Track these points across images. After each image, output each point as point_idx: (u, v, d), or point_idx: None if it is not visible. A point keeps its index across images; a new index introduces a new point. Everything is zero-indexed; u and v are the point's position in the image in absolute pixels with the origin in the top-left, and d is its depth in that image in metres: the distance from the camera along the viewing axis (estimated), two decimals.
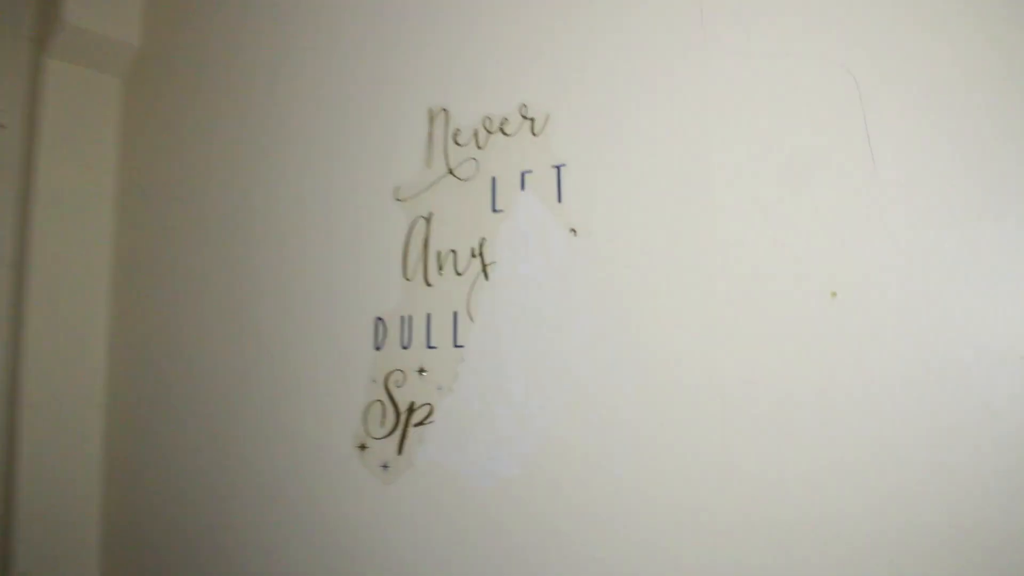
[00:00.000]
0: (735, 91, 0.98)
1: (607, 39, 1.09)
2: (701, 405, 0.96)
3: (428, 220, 1.25)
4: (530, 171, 1.15)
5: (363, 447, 1.29)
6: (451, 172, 1.24)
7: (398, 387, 1.26)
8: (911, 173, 0.86)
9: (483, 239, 1.18)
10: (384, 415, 1.27)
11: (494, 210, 1.18)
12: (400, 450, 1.24)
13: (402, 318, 1.27)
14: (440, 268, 1.23)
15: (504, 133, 1.18)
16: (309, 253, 1.41)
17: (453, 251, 1.22)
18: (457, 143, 1.24)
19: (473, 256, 1.19)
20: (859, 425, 0.86)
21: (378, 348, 1.29)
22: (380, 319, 1.29)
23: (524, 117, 1.16)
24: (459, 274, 1.21)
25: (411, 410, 1.24)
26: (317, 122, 1.44)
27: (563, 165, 1.11)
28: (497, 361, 1.15)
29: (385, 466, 1.26)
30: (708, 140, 0.99)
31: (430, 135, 1.27)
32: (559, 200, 1.11)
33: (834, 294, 0.89)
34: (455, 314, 1.20)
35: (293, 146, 1.48)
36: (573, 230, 1.09)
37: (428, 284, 1.24)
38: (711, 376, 0.95)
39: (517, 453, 1.12)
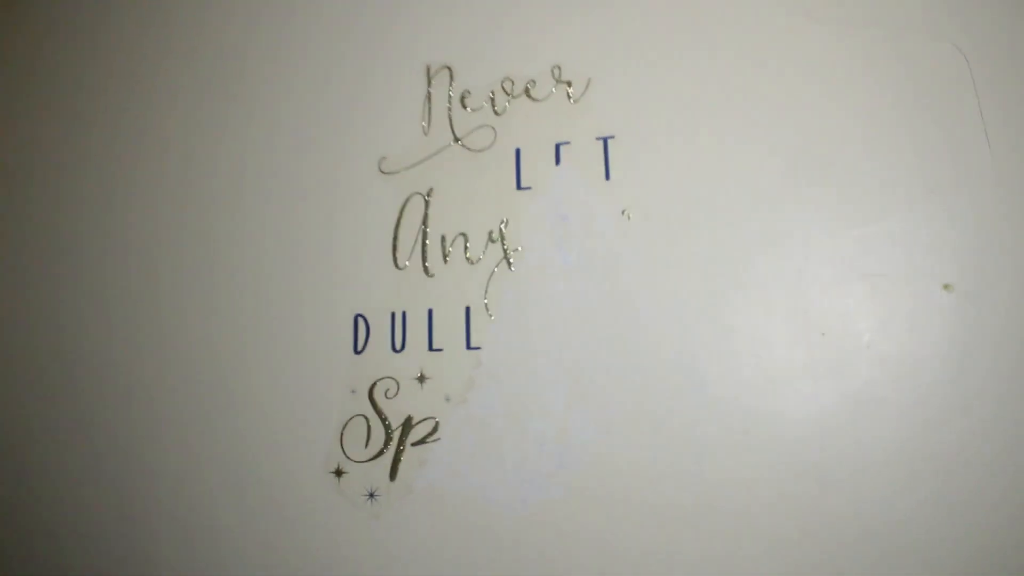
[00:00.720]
0: (825, 61, 0.89)
1: None
2: (773, 416, 0.86)
3: (427, 197, 1.04)
4: (567, 143, 0.98)
5: (339, 472, 1.05)
6: (458, 141, 1.04)
7: (388, 399, 1.03)
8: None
9: (505, 220, 1.00)
10: (369, 433, 1.04)
11: (519, 187, 1.00)
12: (393, 475, 1.02)
13: (392, 315, 1.04)
14: (445, 255, 1.03)
15: (531, 98, 1.01)
16: (265, 234, 1.13)
17: (463, 235, 1.02)
18: (465, 107, 1.04)
19: (491, 241, 1.00)
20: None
21: (358, 351, 1.06)
22: (361, 316, 1.06)
23: (558, 80, 1.00)
24: (472, 262, 1.01)
25: (407, 426, 1.02)
26: (277, 76, 1.16)
27: (611, 137, 0.96)
28: (528, 366, 0.97)
29: (371, 495, 1.03)
30: (791, 113, 0.89)
31: (428, 97, 1.06)
32: (607, 177, 0.96)
33: (948, 287, 0.82)
34: (468, 309, 1.01)
35: (247, 105, 1.19)
36: (625, 213, 0.95)
37: (428, 274, 1.03)
38: (788, 382, 0.85)
39: (558, 472, 0.95)
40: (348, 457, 1.04)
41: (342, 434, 1.05)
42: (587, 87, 0.98)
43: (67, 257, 1.23)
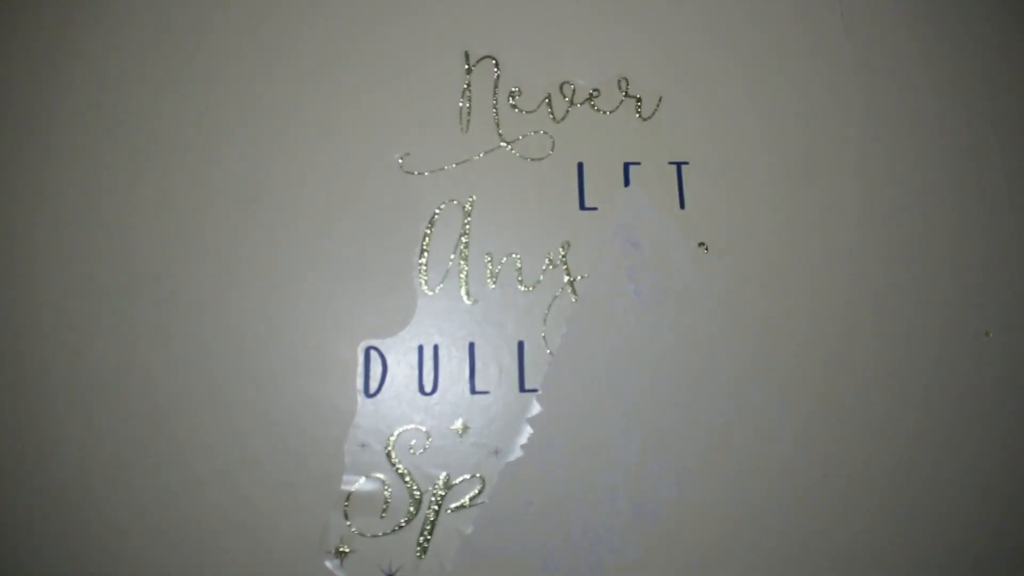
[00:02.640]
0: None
1: (738, 10, 0.93)
2: (869, 448, 0.86)
3: (468, 208, 0.86)
4: (637, 163, 0.89)
5: (342, 553, 0.80)
6: (506, 144, 0.88)
7: (414, 455, 0.82)
8: None
9: (567, 243, 0.87)
10: (389, 500, 0.81)
11: (582, 207, 0.88)
12: (423, 550, 0.80)
13: (421, 349, 0.84)
14: (493, 278, 0.85)
15: (596, 109, 0.90)
16: (250, 242, 0.83)
17: (516, 256, 0.86)
18: (516, 107, 0.89)
19: (550, 265, 0.86)
20: None
21: (370, 395, 0.82)
22: (375, 349, 0.83)
23: (626, 94, 0.90)
24: (526, 288, 0.86)
25: (446, 487, 0.82)
26: (273, 51, 0.88)
27: (685, 163, 0.89)
28: (595, 412, 0.84)
29: None
30: (860, 138, 0.92)
31: (467, 89, 0.89)
32: (682, 206, 0.88)
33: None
34: (521, 344, 0.85)
35: (239, 86, 0.87)
36: (703, 245, 0.88)
37: (470, 300, 0.85)
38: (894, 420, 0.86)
39: (633, 532, 0.83)
40: (356, 531, 0.80)
41: (347, 502, 0.80)
42: (659, 105, 0.90)
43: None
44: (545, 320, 0.85)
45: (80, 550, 0.79)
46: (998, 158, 0.93)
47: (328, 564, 0.79)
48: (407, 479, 0.81)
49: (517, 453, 0.83)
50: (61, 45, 0.88)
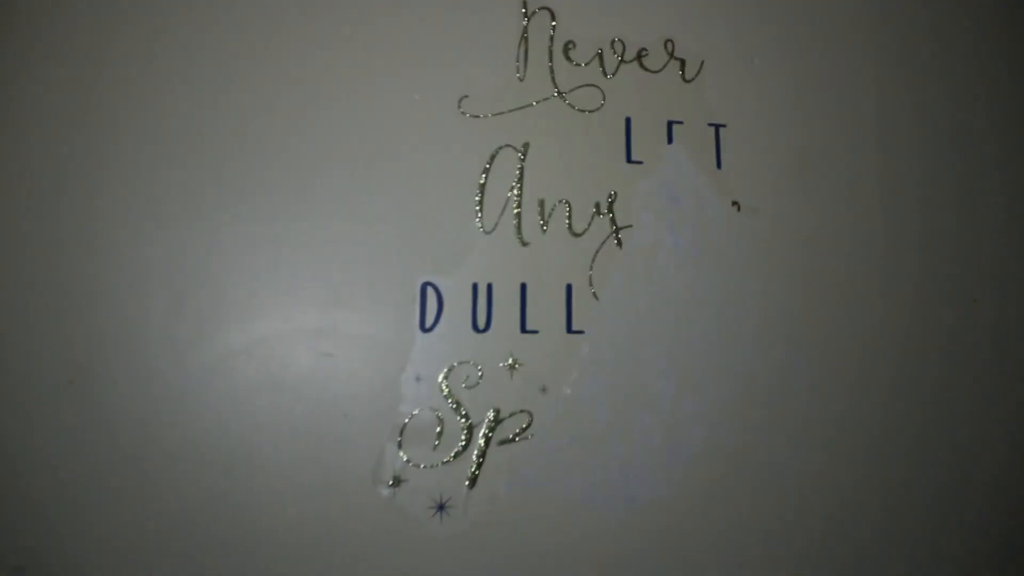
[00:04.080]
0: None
1: None
2: (882, 401, 0.94)
3: (523, 152, 0.88)
4: (680, 122, 0.93)
5: (397, 482, 0.81)
6: (560, 95, 0.91)
7: (468, 388, 0.84)
8: None
9: (614, 193, 0.90)
10: (442, 432, 0.83)
11: (629, 160, 0.91)
12: (473, 481, 0.83)
13: (475, 287, 0.86)
14: (544, 223, 0.88)
15: (644, 68, 0.93)
16: (298, 173, 0.83)
17: (566, 202, 0.89)
18: (570, 60, 0.92)
19: (598, 214, 0.90)
20: None
21: (426, 329, 0.84)
22: (431, 285, 0.85)
23: (671, 56, 0.94)
24: (576, 234, 0.89)
25: (496, 421, 0.84)
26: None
27: (723, 126, 0.94)
28: (635, 354, 0.89)
29: (441, 507, 0.82)
30: (886, 118, 0.99)
31: (524, 38, 0.91)
32: (718, 166, 0.94)
33: None
34: (569, 287, 0.88)
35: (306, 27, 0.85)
36: (736, 203, 0.93)
37: (523, 243, 0.87)
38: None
39: (666, 469, 0.88)
40: (410, 462, 0.82)
41: (401, 433, 0.82)
42: (701, 68, 0.95)
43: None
44: (591, 266, 0.89)
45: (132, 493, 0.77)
46: None
47: (383, 493, 0.81)
48: (460, 412, 0.84)
49: (563, 391, 0.87)
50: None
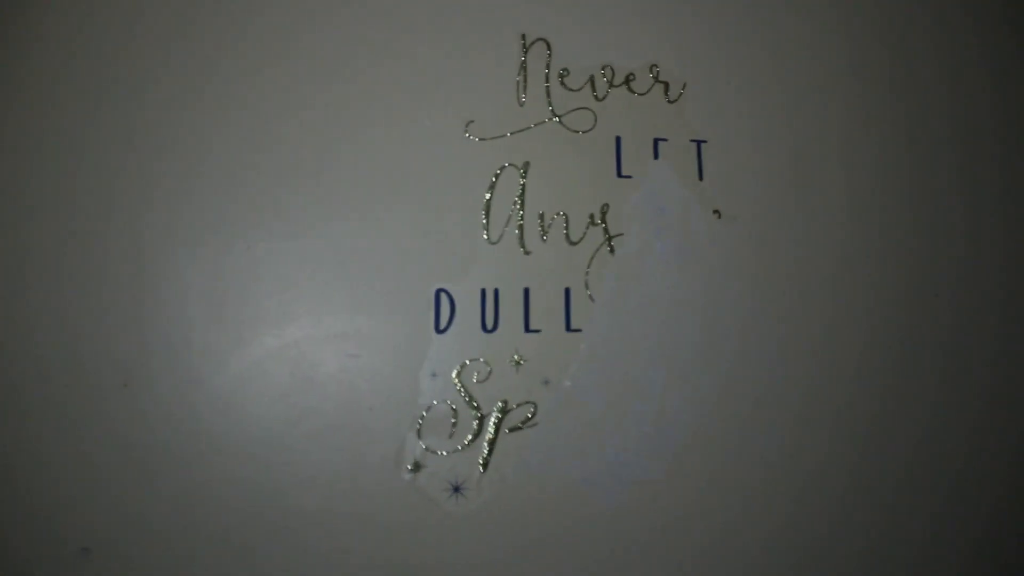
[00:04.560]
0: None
1: (755, 10, 1.09)
2: (849, 395, 1.04)
3: (524, 171, 0.98)
4: (665, 140, 1.03)
5: (417, 467, 0.91)
6: (556, 118, 1.01)
7: (479, 383, 0.94)
8: None
9: (606, 205, 1.00)
10: (456, 422, 0.93)
11: (619, 175, 1.01)
12: (485, 465, 0.93)
13: (483, 292, 0.96)
14: (544, 233, 0.98)
15: (631, 91, 1.03)
16: (324, 193, 0.93)
17: (564, 215, 0.99)
18: (565, 86, 1.01)
19: (593, 224, 1.00)
20: None
21: (440, 331, 0.94)
22: (445, 292, 0.95)
23: (656, 79, 1.04)
24: (573, 243, 0.99)
25: (504, 411, 0.94)
26: (349, 27, 0.97)
27: (704, 141, 1.04)
28: (627, 349, 0.99)
29: (457, 489, 0.92)
30: (854, 134, 1.09)
31: (523, 67, 1.01)
32: (700, 178, 1.04)
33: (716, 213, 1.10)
34: (567, 291, 0.98)
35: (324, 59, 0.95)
36: (717, 212, 1.03)
37: (526, 251, 0.97)
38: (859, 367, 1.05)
39: (656, 454, 0.98)
40: (428, 449, 0.92)
41: (420, 423, 0.92)
42: (684, 90, 1.05)
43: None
44: (587, 271, 0.99)
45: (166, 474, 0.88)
46: None
47: (405, 477, 0.91)
48: (472, 404, 0.94)
49: (563, 384, 0.97)
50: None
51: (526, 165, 0.99)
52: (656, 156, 1.03)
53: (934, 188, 1.11)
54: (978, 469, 1.07)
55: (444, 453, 0.92)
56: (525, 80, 1.01)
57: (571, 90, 1.02)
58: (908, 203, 1.10)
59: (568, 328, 0.98)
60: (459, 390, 0.94)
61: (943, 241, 1.10)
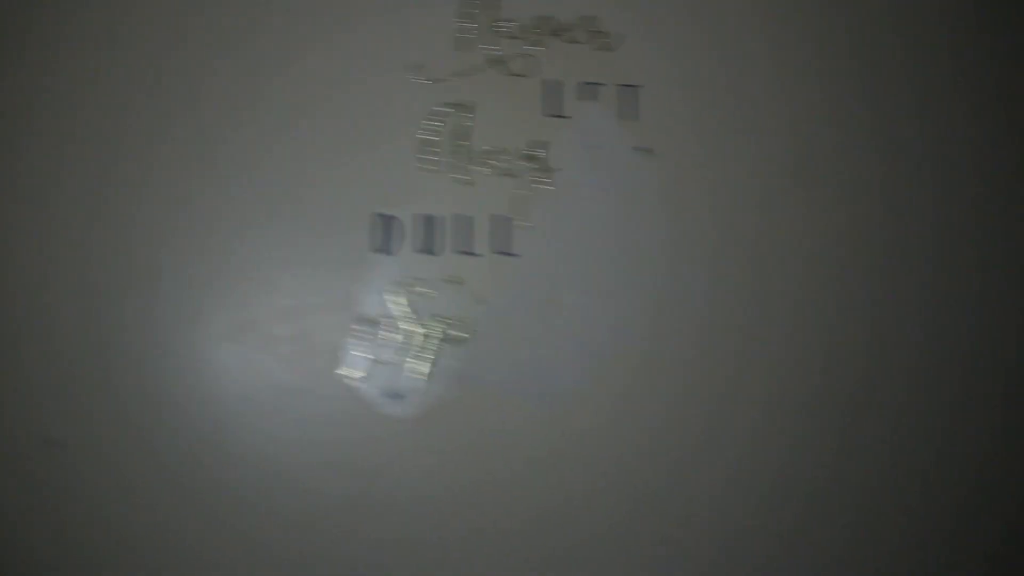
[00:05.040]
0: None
1: None
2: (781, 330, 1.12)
3: (468, 110, 1.08)
4: (600, 84, 1.12)
5: (358, 377, 1.03)
6: (496, 63, 1.10)
7: (419, 299, 1.05)
8: None
9: (543, 142, 1.10)
10: (402, 338, 1.04)
11: (556, 115, 1.11)
12: (427, 377, 1.04)
13: (426, 219, 1.06)
14: (487, 168, 1.08)
15: (569, 40, 1.12)
16: (286, 131, 1.05)
17: (504, 150, 1.09)
18: (503, 33, 1.11)
19: (530, 159, 1.09)
20: None
21: (383, 252, 1.05)
22: (385, 216, 1.05)
23: (591, 31, 1.13)
24: (511, 176, 1.09)
25: (445, 328, 1.05)
26: None
27: (640, 87, 1.13)
28: (555, 273, 1.08)
29: (398, 396, 1.03)
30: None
31: (462, 13, 1.10)
32: (635, 118, 1.12)
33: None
34: (504, 219, 1.08)
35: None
36: (647, 149, 1.12)
37: (467, 182, 1.07)
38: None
39: (582, 367, 1.08)
40: (375, 360, 1.03)
41: (367, 339, 1.03)
42: (622, 42, 1.13)
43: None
44: (524, 201, 1.09)
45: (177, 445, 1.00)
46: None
47: (348, 384, 1.03)
48: (416, 322, 1.04)
49: (498, 303, 1.07)
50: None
51: (470, 105, 1.09)
52: (591, 98, 1.12)
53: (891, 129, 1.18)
54: (950, 470, 1.14)
55: (390, 366, 1.04)
56: (464, 28, 1.10)
57: (509, 37, 1.11)
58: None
59: (504, 252, 1.08)
60: (404, 309, 1.04)
61: (873, 185, 1.17)
